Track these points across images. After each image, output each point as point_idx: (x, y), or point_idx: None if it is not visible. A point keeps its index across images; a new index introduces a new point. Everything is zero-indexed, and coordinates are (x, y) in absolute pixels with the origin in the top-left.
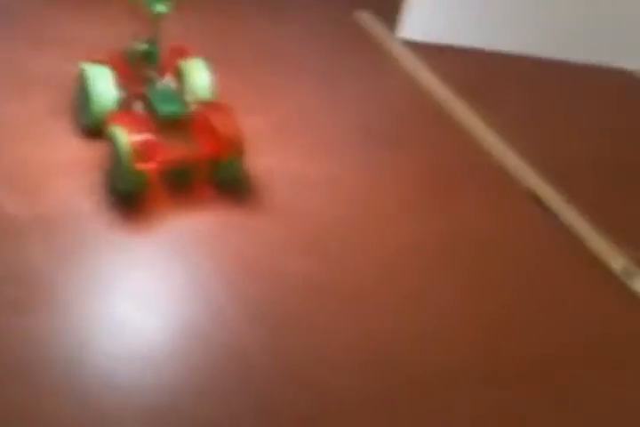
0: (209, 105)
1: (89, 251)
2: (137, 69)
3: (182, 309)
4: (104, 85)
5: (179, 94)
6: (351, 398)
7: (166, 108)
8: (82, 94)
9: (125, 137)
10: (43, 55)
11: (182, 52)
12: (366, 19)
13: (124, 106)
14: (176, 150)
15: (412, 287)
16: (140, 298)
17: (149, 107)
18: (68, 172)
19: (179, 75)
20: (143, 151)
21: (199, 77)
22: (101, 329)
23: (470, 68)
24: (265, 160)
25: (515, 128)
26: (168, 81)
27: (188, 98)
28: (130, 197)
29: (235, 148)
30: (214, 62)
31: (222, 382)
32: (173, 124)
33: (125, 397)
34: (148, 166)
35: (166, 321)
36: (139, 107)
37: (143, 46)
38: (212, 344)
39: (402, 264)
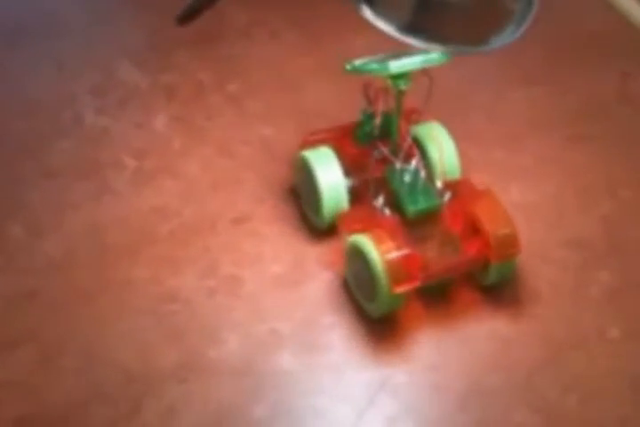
0: (462, 188)
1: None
2: (367, 149)
3: None
4: (332, 178)
5: (429, 182)
6: None
7: (420, 205)
8: (305, 186)
9: (378, 254)
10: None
11: (414, 116)
12: None
13: (356, 197)
14: (439, 261)
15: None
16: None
17: (394, 202)
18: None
19: (414, 145)
20: (402, 271)
21: (442, 149)
22: None
23: None
24: None
25: None
26: (415, 167)
27: (437, 181)
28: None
29: (508, 249)
30: None
31: None
32: (426, 221)
33: None
34: (408, 288)
35: None
36: (379, 202)
37: (374, 122)
38: None
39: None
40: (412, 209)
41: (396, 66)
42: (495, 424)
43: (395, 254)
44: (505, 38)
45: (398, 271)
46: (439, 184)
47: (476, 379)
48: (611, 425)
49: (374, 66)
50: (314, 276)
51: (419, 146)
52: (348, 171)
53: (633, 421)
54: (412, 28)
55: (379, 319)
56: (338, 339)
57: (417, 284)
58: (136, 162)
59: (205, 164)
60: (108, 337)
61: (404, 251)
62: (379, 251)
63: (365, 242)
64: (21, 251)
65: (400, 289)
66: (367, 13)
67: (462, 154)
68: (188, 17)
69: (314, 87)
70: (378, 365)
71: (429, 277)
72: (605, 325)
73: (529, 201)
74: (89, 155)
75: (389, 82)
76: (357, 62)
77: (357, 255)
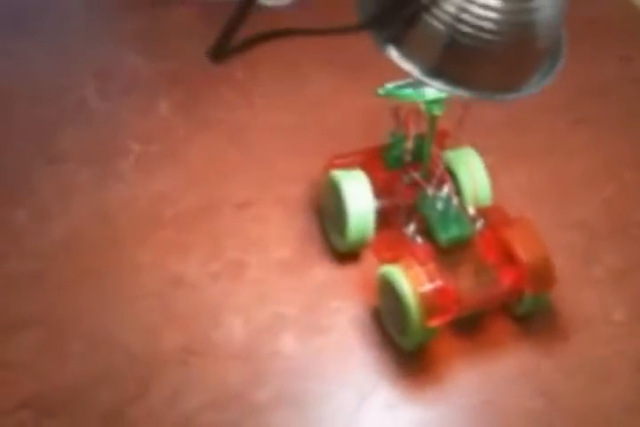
0: (495, 215)
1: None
2: (396, 173)
3: None
4: (362, 202)
5: (462, 210)
6: None
7: (452, 233)
8: (331, 207)
9: (410, 286)
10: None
11: (443, 139)
12: None
13: (383, 221)
14: (474, 293)
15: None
16: None
17: (425, 229)
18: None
19: (446, 170)
20: (436, 304)
21: (475, 176)
22: None
23: None
24: None
25: None
26: (448, 193)
27: (470, 208)
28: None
29: (544, 280)
30: None
31: None
32: (458, 249)
33: None
34: (442, 321)
35: None
36: (411, 229)
37: (406, 146)
38: None
39: None
40: (444, 237)
41: (433, 92)
42: (502, 409)
43: (428, 287)
44: (536, 84)
45: (432, 304)
46: (471, 211)
47: (482, 365)
48: (617, 409)
49: (409, 91)
50: (319, 260)
51: (450, 171)
52: (377, 195)
53: (639, 405)
54: (438, 71)
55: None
56: (343, 324)
57: (451, 317)
58: (141, 147)
59: (210, 150)
60: (114, 320)
61: (438, 283)
62: (411, 283)
63: (397, 273)
64: (28, 235)
65: (434, 323)
66: (393, 54)
67: (466, 138)
68: (220, 50)
69: (318, 75)
70: (383, 350)
71: (464, 310)
72: (610, 307)
73: (533, 184)
74: (94, 140)
75: (422, 106)
76: (390, 86)
77: (389, 287)
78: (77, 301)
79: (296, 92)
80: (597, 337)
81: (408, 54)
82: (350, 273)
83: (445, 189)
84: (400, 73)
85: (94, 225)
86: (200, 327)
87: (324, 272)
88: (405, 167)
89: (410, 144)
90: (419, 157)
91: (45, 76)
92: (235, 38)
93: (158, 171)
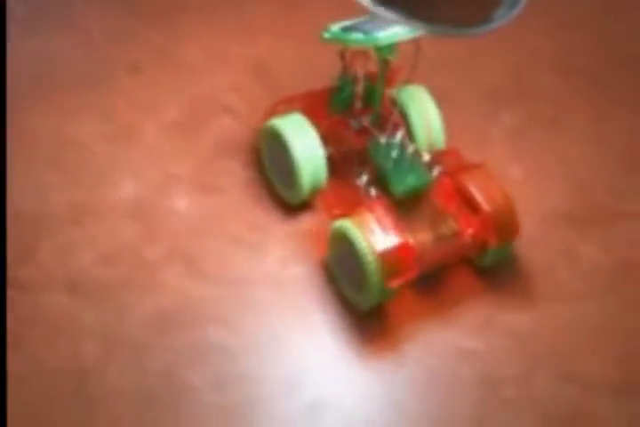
0: (451, 160)
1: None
2: (344, 119)
3: None
4: (308, 146)
5: (417, 157)
6: None
7: (408, 183)
8: (276, 159)
9: (368, 246)
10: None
11: (393, 77)
12: None
13: (332, 170)
14: (435, 247)
15: None
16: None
17: (378, 179)
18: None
19: (399, 114)
20: (396, 263)
21: (427, 115)
22: None
23: None
24: None
25: None
26: (401, 141)
27: (425, 154)
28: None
29: (508, 229)
30: None
31: None
32: (414, 199)
33: None
34: (403, 280)
35: None
36: (363, 180)
37: (356, 89)
38: None
39: None
40: (400, 188)
41: (386, 36)
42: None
43: (388, 245)
44: (503, 14)
45: (392, 264)
46: (426, 157)
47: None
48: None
49: (360, 36)
50: (212, 120)
51: (401, 113)
52: (323, 142)
53: (539, 252)
54: (390, 1)
55: (371, 313)
56: (236, 182)
57: (413, 275)
58: (28, 9)
59: (102, 13)
60: (3, 179)
61: (398, 240)
62: (369, 242)
63: (354, 231)
64: None
65: (394, 283)
66: None
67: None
68: None
69: None
70: (276, 207)
71: (425, 266)
72: (508, 166)
73: (442, 52)
74: None
75: (373, 51)
76: (335, 28)
77: (344, 244)
78: None
79: None
80: None
81: None
82: (242, 133)
83: (399, 136)
84: None
85: None
86: (91, 187)
87: (218, 133)
88: (353, 112)
89: (360, 88)
90: (368, 101)
91: None
92: None
93: (47, 34)
